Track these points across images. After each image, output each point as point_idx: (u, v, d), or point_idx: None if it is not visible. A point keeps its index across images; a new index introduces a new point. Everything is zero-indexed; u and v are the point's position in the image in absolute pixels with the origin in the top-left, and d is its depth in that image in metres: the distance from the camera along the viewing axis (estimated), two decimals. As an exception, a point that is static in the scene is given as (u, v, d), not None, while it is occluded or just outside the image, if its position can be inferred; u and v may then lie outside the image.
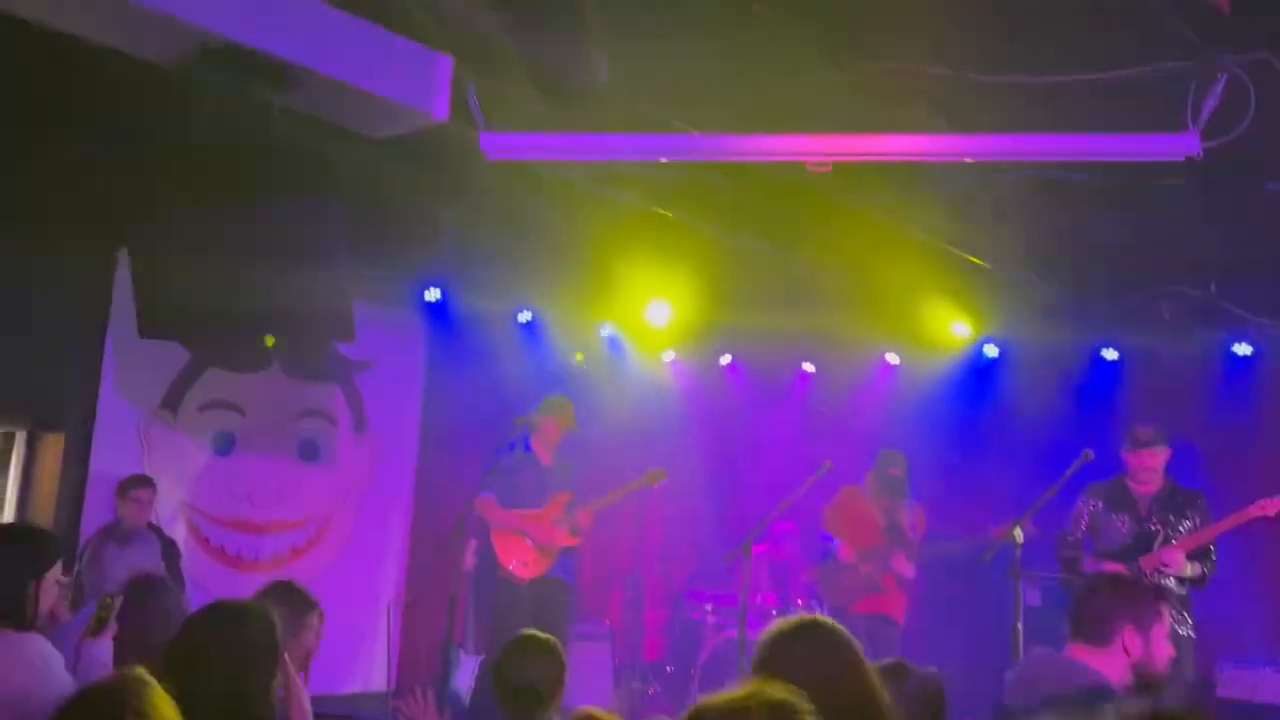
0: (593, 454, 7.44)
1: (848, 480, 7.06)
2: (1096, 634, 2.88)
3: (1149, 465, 5.40)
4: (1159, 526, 5.33)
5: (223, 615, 2.69)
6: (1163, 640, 2.96)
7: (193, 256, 5.12)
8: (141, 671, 2.05)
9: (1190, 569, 5.24)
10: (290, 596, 3.45)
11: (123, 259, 5.71)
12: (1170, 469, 5.53)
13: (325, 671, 7.18)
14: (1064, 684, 2.66)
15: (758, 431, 9.43)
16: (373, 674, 7.32)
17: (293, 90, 3.70)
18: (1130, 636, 2.87)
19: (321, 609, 3.49)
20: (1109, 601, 2.93)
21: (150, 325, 5.34)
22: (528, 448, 6.47)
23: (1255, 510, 5.16)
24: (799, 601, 7.57)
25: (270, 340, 4.33)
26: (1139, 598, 2.98)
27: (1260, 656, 6.47)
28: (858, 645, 2.20)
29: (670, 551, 9.01)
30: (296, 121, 4.26)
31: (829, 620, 2.25)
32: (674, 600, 8.41)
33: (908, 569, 6.72)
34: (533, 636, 3.21)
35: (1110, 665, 2.79)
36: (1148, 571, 5.25)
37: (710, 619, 7.73)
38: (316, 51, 3.60)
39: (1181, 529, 5.31)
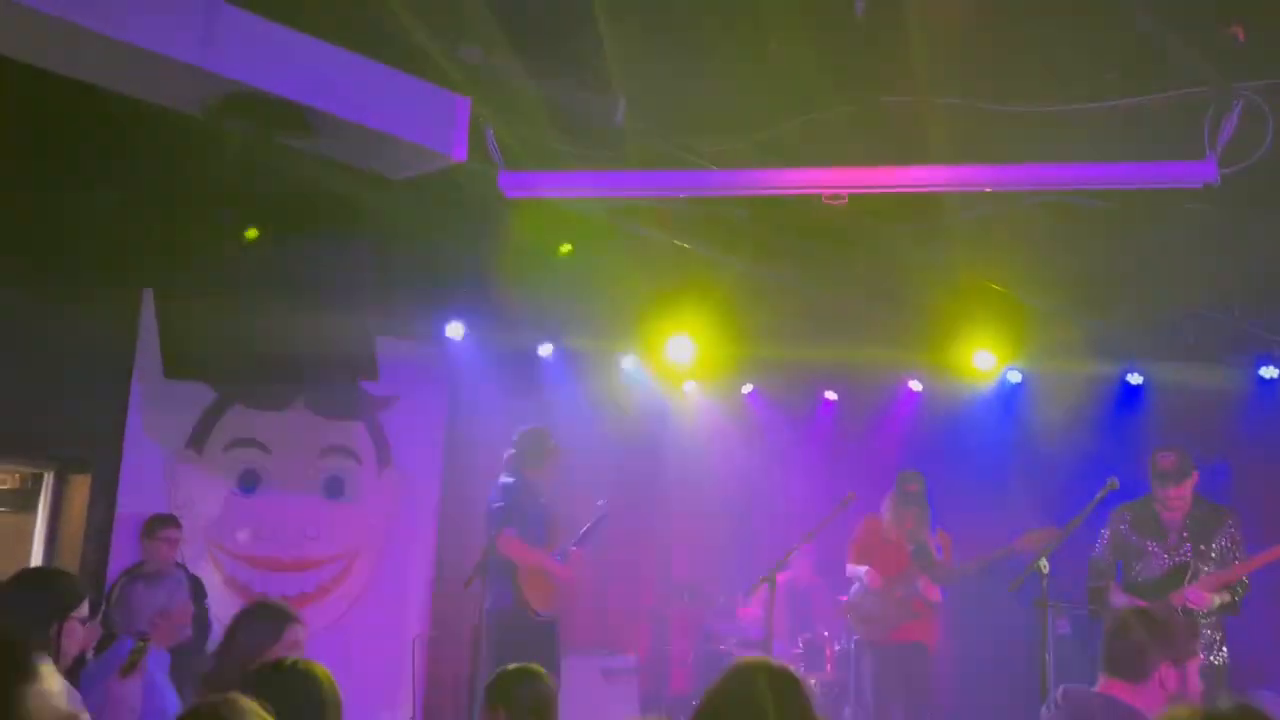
0: (609, 485, 7.44)
1: (871, 508, 7.03)
2: (1132, 670, 2.87)
3: (1176, 494, 5.32)
4: (1189, 556, 5.25)
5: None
6: (1197, 673, 2.94)
7: (217, 298, 5.19)
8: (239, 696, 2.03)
9: (1220, 599, 5.16)
10: (270, 611, 3.46)
11: (148, 300, 5.78)
12: (1200, 488, 5.44)
13: (352, 707, 7.18)
14: None
15: (780, 460, 9.40)
16: (398, 710, 7.31)
17: (314, 135, 3.75)
18: (1166, 671, 2.86)
19: (301, 621, 3.48)
20: (1144, 638, 2.92)
21: (176, 367, 5.40)
22: (525, 482, 6.38)
23: (1271, 555, 5.07)
24: (825, 633, 7.52)
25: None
26: (1174, 633, 2.98)
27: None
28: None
29: (696, 584, 8.97)
30: (318, 164, 4.32)
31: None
32: (700, 632, 8.37)
33: (934, 592, 6.67)
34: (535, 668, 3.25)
35: (1148, 700, 2.78)
36: (1176, 608, 5.18)
37: (736, 651, 7.69)
38: (336, 97, 3.65)
39: (1213, 552, 5.23)
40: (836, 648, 7.36)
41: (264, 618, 3.47)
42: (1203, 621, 5.07)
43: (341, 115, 3.68)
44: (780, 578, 6.38)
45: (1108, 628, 3.06)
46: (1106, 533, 5.55)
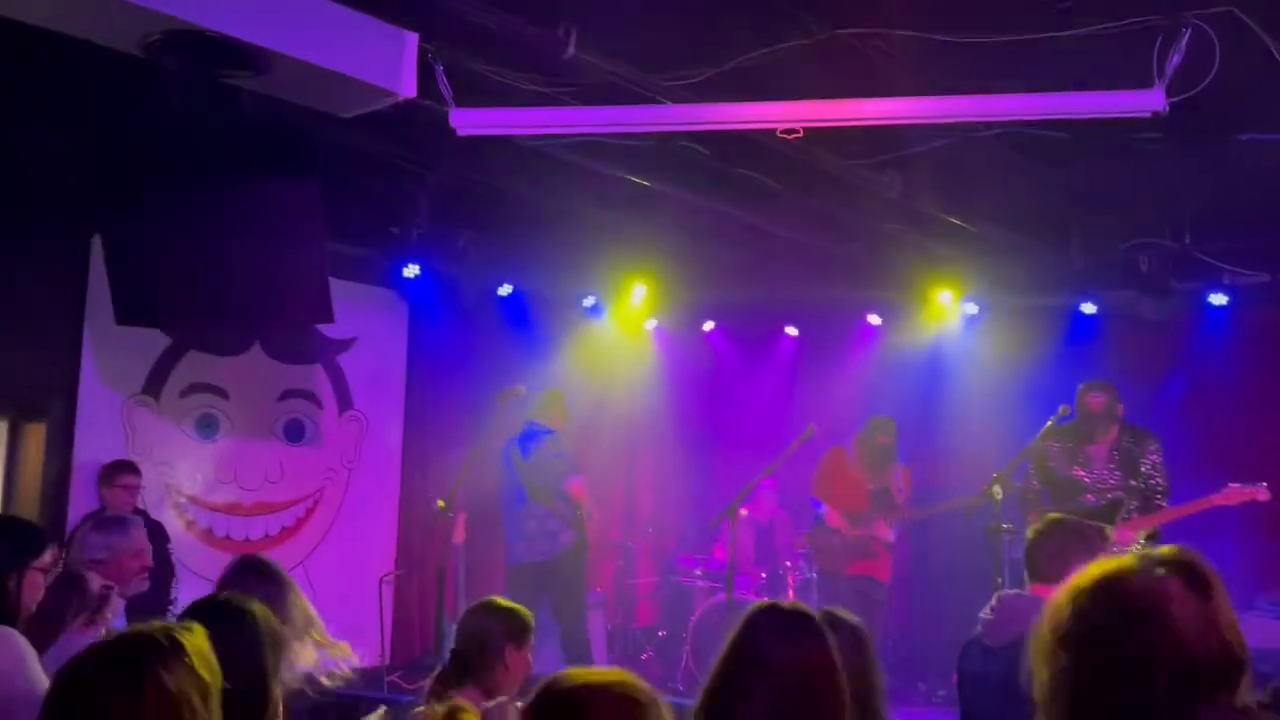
0: (576, 425, 7.49)
1: (831, 441, 7.12)
2: (1053, 572, 3.02)
3: (1104, 433, 5.33)
4: (1119, 492, 5.27)
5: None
6: None
7: (167, 242, 5.11)
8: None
9: (1144, 535, 5.16)
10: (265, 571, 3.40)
11: (97, 246, 5.68)
12: (1149, 414, 5.51)
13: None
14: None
15: (742, 397, 9.47)
16: (366, 650, 7.37)
17: (259, 72, 3.67)
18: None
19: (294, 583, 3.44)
20: (1060, 542, 3.15)
21: (127, 313, 5.33)
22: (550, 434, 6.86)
23: (1218, 500, 5.11)
24: (787, 564, 7.65)
25: None
26: (1087, 535, 3.21)
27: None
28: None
29: (660, 519, 9.08)
30: (266, 103, 4.24)
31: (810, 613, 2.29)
32: (665, 566, 8.48)
33: (888, 534, 6.83)
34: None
35: None
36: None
37: (700, 583, 7.81)
38: (281, 33, 3.58)
39: (1139, 481, 5.26)
40: (799, 579, 7.50)
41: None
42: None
43: (286, 52, 3.61)
44: (743, 511, 6.49)
45: (1029, 537, 3.28)
46: (1037, 460, 5.55)
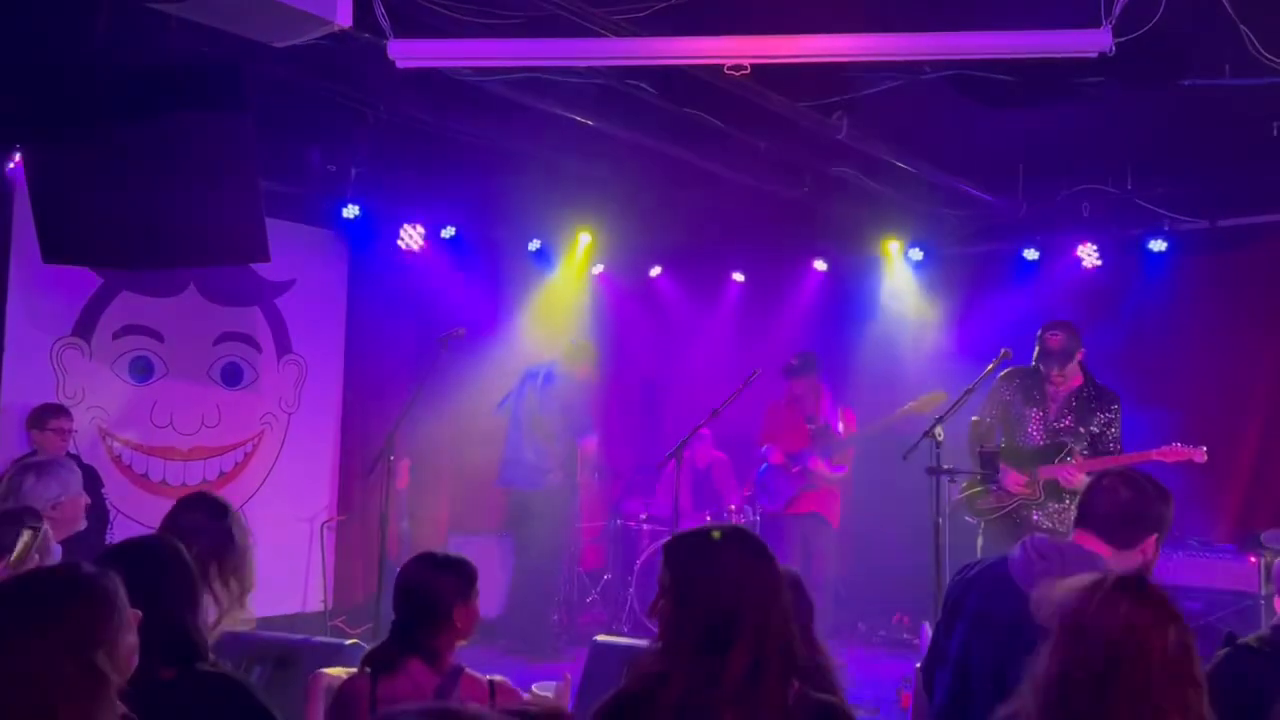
0: (517, 372, 7.45)
1: (776, 385, 7.14)
2: (1122, 537, 2.72)
3: (1060, 373, 5.36)
4: (1068, 436, 5.35)
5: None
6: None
7: (94, 177, 4.93)
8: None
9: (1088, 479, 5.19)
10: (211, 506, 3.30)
11: (22, 183, 5.47)
12: (1091, 364, 5.56)
13: (261, 594, 7.14)
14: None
15: (688, 342, 9.46)
16: (308, 595, 7.32)
17: (186, -1, 3.51)
18: (1152, 542, 2.76)
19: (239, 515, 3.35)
20: (1141, 508, 2.76)
21: (54, 251, 5.16)
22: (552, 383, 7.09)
23: (1155, 455, 5.17)
24: (731, 507, 7.70)
25: None
26: (1167, 506, 2.82)
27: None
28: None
29: (605, 464, 9.07)
30: (197, 34, 4.08)
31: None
32: (610, 510, 8.50)
33: (823, 466, 6.84)
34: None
35: (1126, 565, 2.61)
36: (1042, 480, 5.30)
37: (645, 527, 7.83)
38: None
39: (1088, 434, 5.34)
40: (743, 521, 7.54)
41: None
42: (1067, 497, 5.18)
43: (214, -24, 3.46)
44: (687, 454, 6.51)
45: (1098, 489, 2.84)
46: (993, 396, 5.60)
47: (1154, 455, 5.16)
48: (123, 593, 1.85)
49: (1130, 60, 4.14)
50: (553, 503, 7.12)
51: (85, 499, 4.40)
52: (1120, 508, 2.76)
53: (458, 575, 2.89)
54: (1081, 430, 5.34)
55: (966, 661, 2.71)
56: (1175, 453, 5.17)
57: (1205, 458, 5.15)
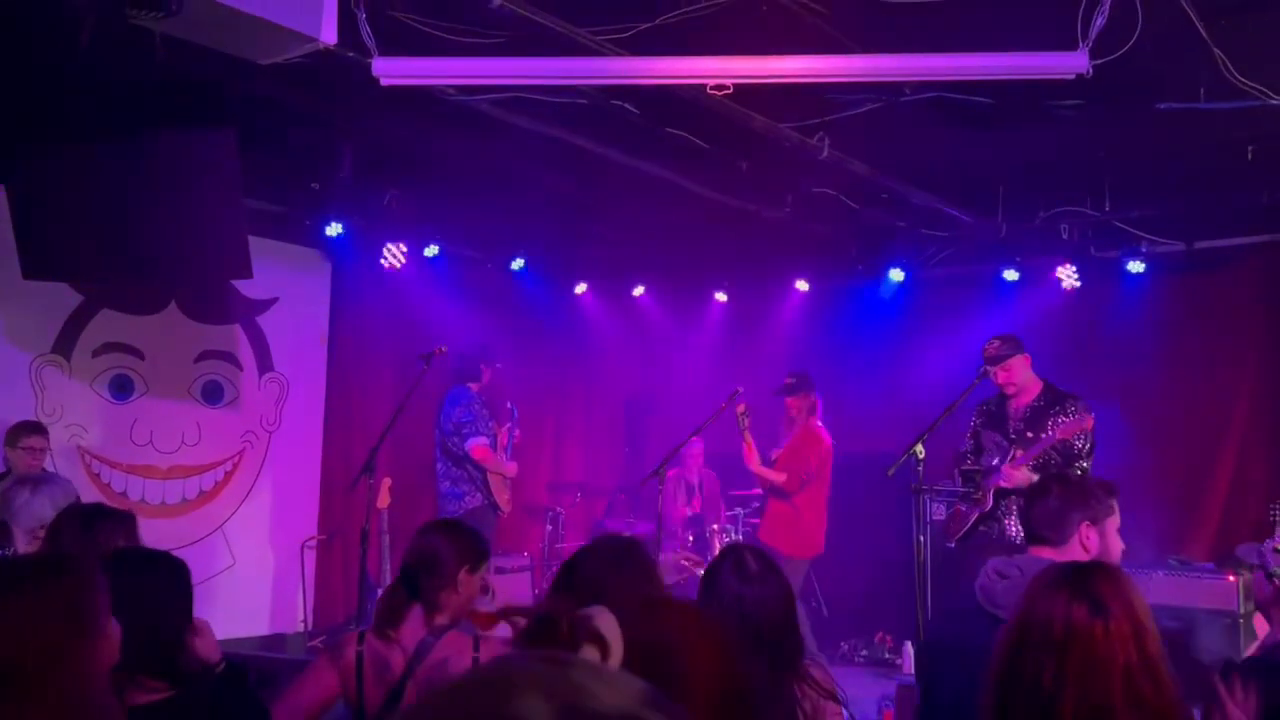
0: (509, 389, 7.44)
1: (757, 405, 7.10)
2: (1055, 535, 2.86)
3: (1004, 381, 5.44)
4: (1015, 445, 5.37)
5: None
6: (1114, 533, 2.96)
7: (76, 193, 4.92)
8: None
9: (1033, 475, 5.10)
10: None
11: (2, 197, 5.45)
12: (1065, 378, 5.61)
13: (241, 612, 7.12)
14: None
15: (671, 362, 9.49)
16: (290, 615, 7.27)
17: (170, 14, 3.52)
18: (1086, 532, 2.87)
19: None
20: (1060, 501, 2.90)
21: (35, 267, 5.14)
22: (475, 394, 6.73)
23: (1059, 434, 5.15)
24: (714, 527, 7.70)
25: None
26: (1089, 493, 2.95)
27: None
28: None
29: (589, 483, 9.08)
30: (181, 51, 4.08)
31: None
32: (592, 529, 8.48)
33: (765, 471, 6.66)
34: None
35: (1072, 559, 2.75)
36: (990, 489, 5.31)
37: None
38: (194, -27, 3.43)
39: (1047, 427, 5.31)
40: (725, 539, 7.53)
41: None
42: (1013, 498, 5.18)
43: (200, -7, 3.47)
44: (670, 473, 6.49)
45: (1026, 496, 3.03)
46: (970, 425, 5.69)
47: (1058, 435, 5.17)
48: (103, 580, 1.88)
49: (1107, 83, 4.20)
50: (481, 527, 6.85)
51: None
52: (1046, 509, 2.92)
53: (466, 541, 2.97)
54: (1030, 435, 5.33)
55: (957, 700, 2.72)
56: (1066, 428, 5.16)
57: (1092, 424, 5.17)
